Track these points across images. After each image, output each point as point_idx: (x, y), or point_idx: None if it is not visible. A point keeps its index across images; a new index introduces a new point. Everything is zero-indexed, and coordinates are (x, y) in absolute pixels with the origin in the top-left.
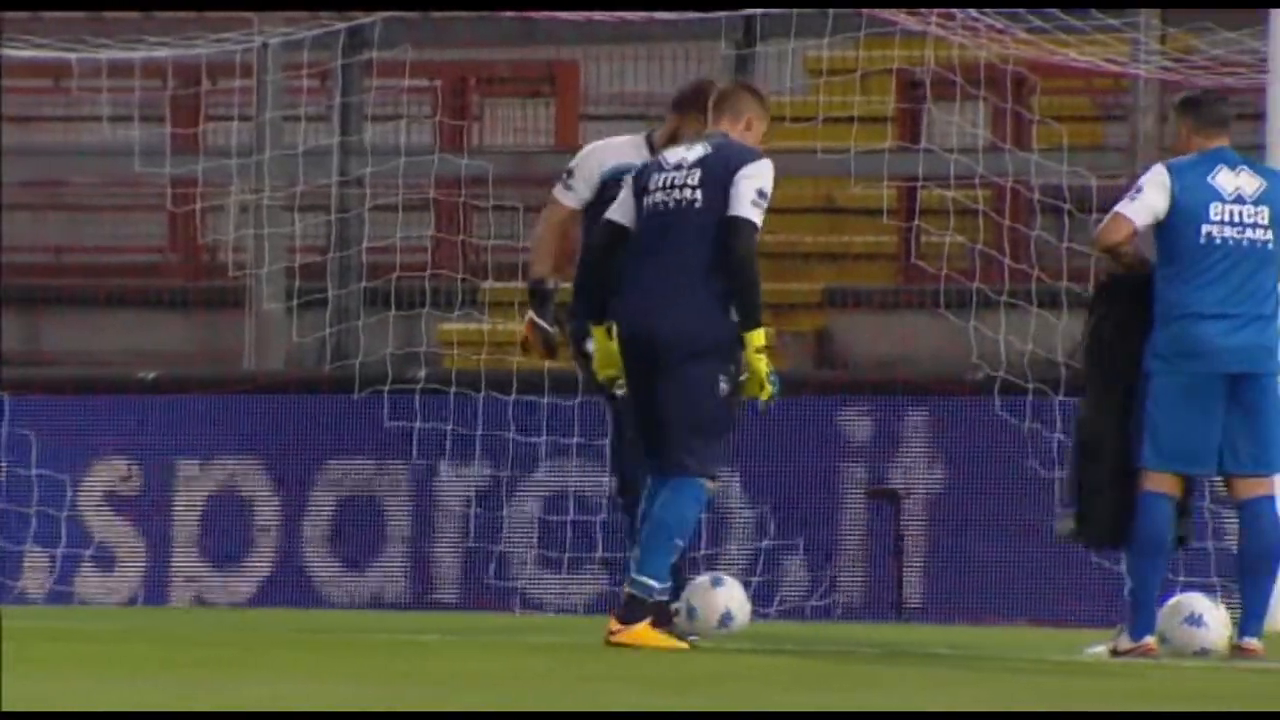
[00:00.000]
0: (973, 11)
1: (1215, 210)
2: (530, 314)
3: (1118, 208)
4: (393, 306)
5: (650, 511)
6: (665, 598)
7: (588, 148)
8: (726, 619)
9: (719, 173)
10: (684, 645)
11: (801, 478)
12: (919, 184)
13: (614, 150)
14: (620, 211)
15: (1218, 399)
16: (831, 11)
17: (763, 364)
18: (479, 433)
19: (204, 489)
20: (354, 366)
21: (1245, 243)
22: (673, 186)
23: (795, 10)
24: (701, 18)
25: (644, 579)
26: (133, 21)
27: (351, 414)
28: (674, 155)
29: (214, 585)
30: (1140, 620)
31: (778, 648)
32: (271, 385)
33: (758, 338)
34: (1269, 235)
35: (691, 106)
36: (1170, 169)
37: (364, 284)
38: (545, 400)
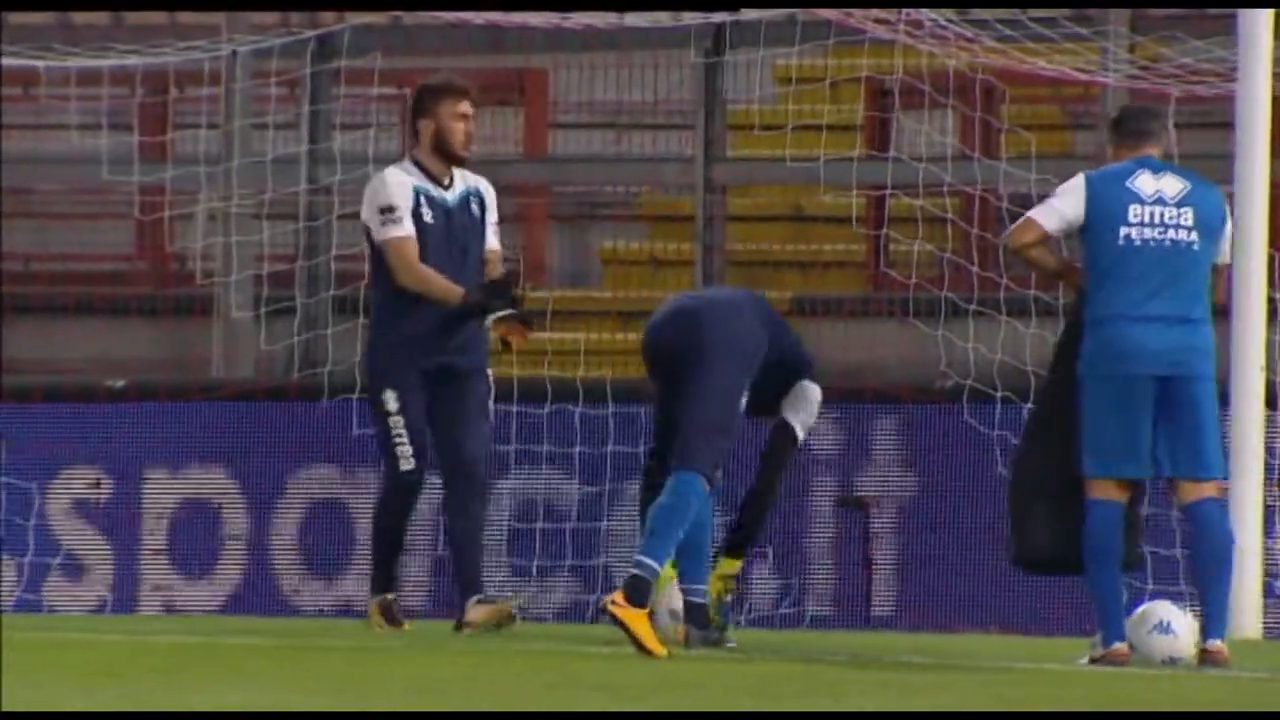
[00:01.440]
0: (941, 20)
1: (1134, 212)
2: (493, 318)
3: (1030, 212)
4: (361, 314)
5: (659, 500)
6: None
7: (381, 180)
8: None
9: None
10: (663, 651)
11: None
12: (888, 192)
13: (406, 174)
14: None
15: (1146, 401)
16: (800, 20)
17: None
18: None
19: (172, 497)
20: (323, 374)
21: (1168, 243)
22: None
23: (764, 17)
24: (671, 26)
25: (647, 560)
26: (101, 29)
27: (320, 422)
28: None
29: (183, 593)
30: (1106, 626)
31: (746, 655)
32: (240, 393)
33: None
34: (1193, 237)
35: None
36: (1088, 177)
37: (333, 292)
38: (515, 408)
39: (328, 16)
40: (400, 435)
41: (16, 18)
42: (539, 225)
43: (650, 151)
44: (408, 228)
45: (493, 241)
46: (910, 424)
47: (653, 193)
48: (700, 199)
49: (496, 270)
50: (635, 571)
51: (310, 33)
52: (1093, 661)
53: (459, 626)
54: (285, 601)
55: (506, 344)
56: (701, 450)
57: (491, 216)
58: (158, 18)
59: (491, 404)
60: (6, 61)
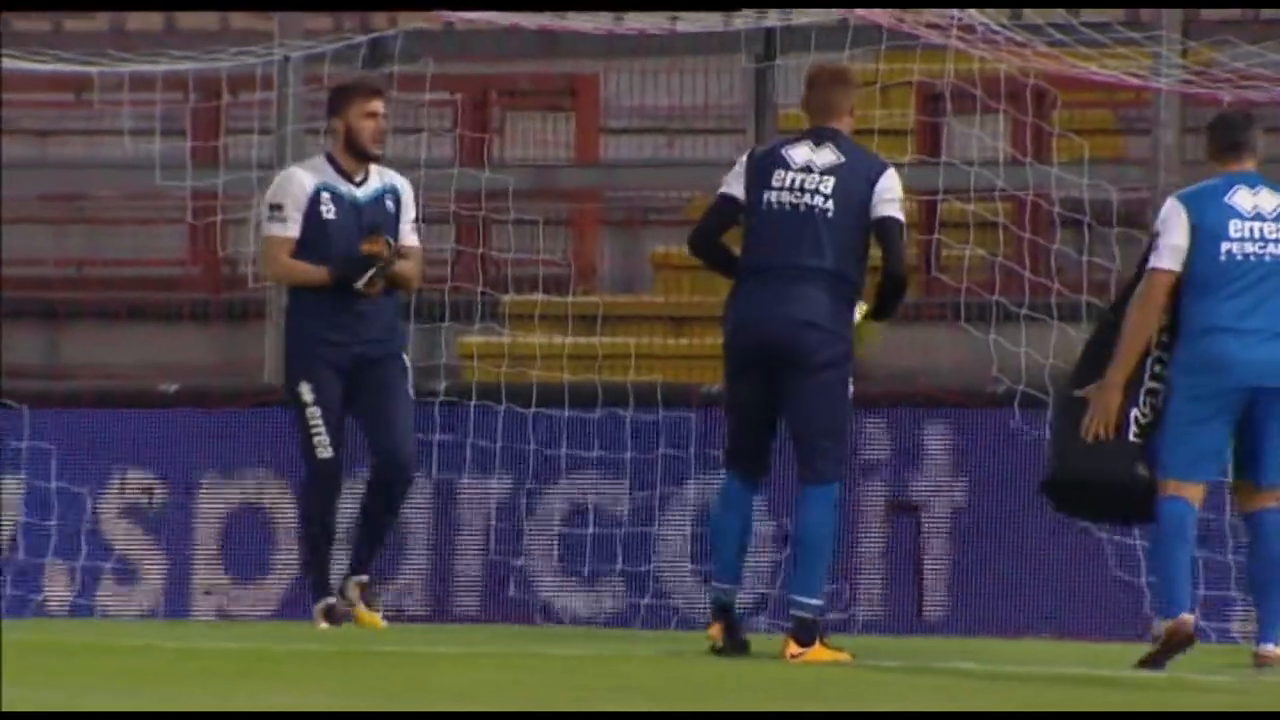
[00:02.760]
0: (993, 24)
1: (1235, 228)
2: (360, 285)
3: (1150, 264)
4: (412, 319)
5: (795, 530)
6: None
7: (281, 177)
8: None
9: (852, 185)
10: (848, 657)
11: None
12: (939, 197)
13: (310, 171)
14: (735, 187)
15: (1236, 411)
16: (852, 24)
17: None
18: (499, 445)
19: (225, 501)
20: None
21: (1268, 258)
22: (802, 189)
23: (816, 21)
24: (722, 31)
25: (807, 599)
26: (154, 35)
27: None
28: (800, 155)
29: (235, 598)
30: (1172, 599)
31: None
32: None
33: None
34: None
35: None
36: (1182, 200)
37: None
38: (565, 413)
39: (380, 21)
40: (317, 425)
41: (70, 23)
42: (590, 230)
43: (701, 156)
44: (290, 228)
45: (410, 238)
46: (961, 428)
47: (704, 198)
48: None
49: (411, 266)
50: (799, 614)
51: (362, 37)
52: (1154, 639)
53: (340, 593)
54: None
55: (386, 283)
56: (832, 458)
57: (408, 214)
58: (210, 23)
59: (410, 387)
60: (61, 68)
